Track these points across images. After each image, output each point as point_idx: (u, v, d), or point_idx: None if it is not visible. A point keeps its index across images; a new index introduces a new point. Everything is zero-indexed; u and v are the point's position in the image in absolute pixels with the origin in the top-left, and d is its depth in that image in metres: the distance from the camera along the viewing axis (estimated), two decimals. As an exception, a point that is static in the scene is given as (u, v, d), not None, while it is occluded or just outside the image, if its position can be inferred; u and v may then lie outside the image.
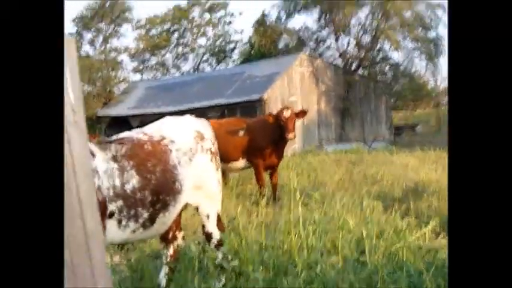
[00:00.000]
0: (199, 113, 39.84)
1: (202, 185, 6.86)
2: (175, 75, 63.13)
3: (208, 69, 63.63)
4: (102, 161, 5.80)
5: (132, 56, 64.37)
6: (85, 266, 1.76)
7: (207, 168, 6.93)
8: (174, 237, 7.26)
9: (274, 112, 15.07)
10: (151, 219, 6.17)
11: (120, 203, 5.85)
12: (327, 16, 47.43)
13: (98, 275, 1.81)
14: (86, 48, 61.51)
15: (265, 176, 14.97)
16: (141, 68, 65.41)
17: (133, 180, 5.96)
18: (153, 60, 65.87)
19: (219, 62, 65.86)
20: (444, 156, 22.31)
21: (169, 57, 66.37)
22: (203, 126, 7.12)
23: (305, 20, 55.79)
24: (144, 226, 6.12)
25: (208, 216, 7.03)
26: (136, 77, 63.95)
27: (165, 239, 7.16)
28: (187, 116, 7.32)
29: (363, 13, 46.52)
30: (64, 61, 1.95)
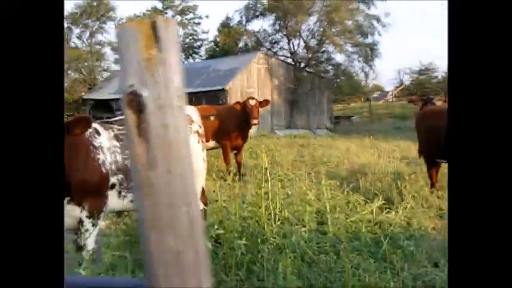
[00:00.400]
0: (171, 99, 40.67)
1: (190, 162, 6.62)
2: (150, 66, 62.07)
3: (178, 62, 62.71)
4: (106, 139, 5.79)
5: (114, 49, 63.82)
6: (189, 253, 1.56)
7: (195, 148, 6.82)
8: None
9: (241, 101, 15.05)
10: None
11: (120, 176, 5.85)
12: (281, 22, 47.89)
13: (200, 263, 1.61)
14: (75, 41, 62.44)
15: (231, 155, 14.95)
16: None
17: None
18: (132, 53, 64.55)
19: (187, 57, 66.15)
20: (379, 144, 22.47)
21: (145, 51, 65.30)
22: (192, 111, 7.01)
23: (262, 24, 56.19)
24: None
25: None
26: (117, 67, 62.19)
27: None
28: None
29: (312, 20, 46.93)
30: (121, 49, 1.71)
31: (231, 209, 7.52)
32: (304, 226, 6.87)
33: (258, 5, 48.74)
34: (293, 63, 46.67)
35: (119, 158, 5.84)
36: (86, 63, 60.60)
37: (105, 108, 46.20)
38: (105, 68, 63.81)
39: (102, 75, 61.06)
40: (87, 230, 5.64)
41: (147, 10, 64.99)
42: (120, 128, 6.02)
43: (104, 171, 5.71)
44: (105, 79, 57.81)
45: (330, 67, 48.89)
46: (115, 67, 62.16)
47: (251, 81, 41.91)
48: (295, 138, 30.04)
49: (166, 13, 65.09)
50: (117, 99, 46.36)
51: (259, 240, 6.38)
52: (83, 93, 55.22)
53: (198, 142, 6.82)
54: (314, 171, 14.14)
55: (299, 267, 5.73)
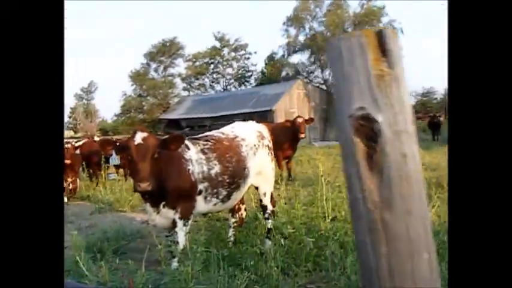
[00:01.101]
0: (229, 118, 40.82)
1: (262, 171, 6.46)
2: (212, 92, 64.18)
3: (233, 89, 63.92)
4: (194, 152, 5.59)
5: (183, 79, 65.95)
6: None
7: (266, 159, 6.53)
8: (239, 209, 6.83)
9: (290, 119, 14.60)
10: (228, 196, 5.89)
11: (206, 184, 5.60)
12: (316, 55, 48.53)
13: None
14: (153, 73, 63.91)
15: (283, 163, 14.51)
16: (188, 87, 66.75)
17: (216, 168, 5.69)
18: (197, 83, 67.10)
19: (240, 85, 66.47)
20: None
21: (207, 80, 67.65)
22: (262, 128, 6.70)
23: (300, 58, 56.99)
24: (223, 201, 5.86)
25: (265, 194, 6.58)
26: (185, 93, 64.86)
27: (232, 210, 6.76)
28: (251, 122, 6.93)
29: None
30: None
31: (295, 210, 7.19)
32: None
33: (297, 42, 49.02)
34: (325, 88, 46.91)
35: (204, 168, 5.59)
36: (161, 91, 61.67)
37: (176, 126, 46.73)
38: (176, 94, 64.54)
39: (173, 100, 61.62)
40: (179, 229, 5.41)
41: (208, 48, 65.20)
42: (205, 143, 5.83)
43: (193, 180, 5.47)
44: (176, 103, 58.62)
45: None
46: (183, 93, 63.94)
47: (293, 103, 42.71)
48: (329, 148, 29.60)
49: (223, 50, 65.66)
50: (185, 119, 48.29)
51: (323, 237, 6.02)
52: (159, 114, 56.23)
53: (268, 155, 6.52)
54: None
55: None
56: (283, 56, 52.06)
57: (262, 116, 37.53)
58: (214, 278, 4.20)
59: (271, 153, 6.63)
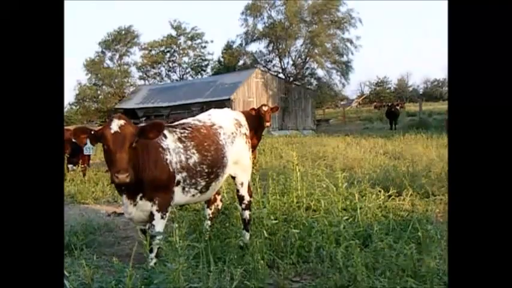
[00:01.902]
0: (186, 107, 40.63)
1: (239, 160, 6.18)
2: (168, 81, 63.51)
3: (190, 78, 63.31)
4: (172, 141, 5.28)
5: (139, 68, 65.21)
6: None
7: (243, 148, 6.26)
8: (215, 199, 6.55)
9: (255, 107, 14.31)
10: (207, 187, 5.60)
11: (184, 174, 5.32)
12: (274, 44, 48.07)
13: None
14: (108, 62, 62.81)
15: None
16: (144, 76, 66.11)
17: (194, 157, 5.41)
18: (153, 71, 66.48)
19: (197, 73, 66.13)
20: (359, 141, 21.87)
21: (163, 69, 67.19)
22: (239, 116, 6.42)
23: (258, 46, 57.43)
24: (201, 192, 5.57)
25: (242, 184, 6.29)
26: (141, 82, 64.23)
27: (208, 201, 6.46)
28: (227, 109, 6.67)
29: (298, 43, 47.47)
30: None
31: (271, 200, 6.98)
32: (332, 214, 6.17)
33: (255, 31, 48.73)
34: (284, 77, 46.90)
35: (182, 158, 5.31)
36: (116, 80, 60.44)
37: (132, 116, 45.94)
38: (132, 83, 63.43)
39: (129, 89, 60.61)
40: (157, 222, 5.11)
41: (164, 37, 64.55)
42: (182, 131, 5.54)
43: (171, 170, 5.18)
44: (131, 92, 57.86)
45: (313, 80, 49.32)
46: (139, 82, 63.38)
47: (251, 92, 42.54)
48: (288, 137, 29.56)
49: (179, 39, 65.08)
50: (142, 108, 47.95)
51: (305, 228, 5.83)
52: (114, 104, 55.24)
53: (246, 143, 6.25)
54: (316, 165, 13.67)
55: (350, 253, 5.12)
56: (240, 44, 51.81)
57: (220, 105, 36.99)
58: (204, 275, 3.93)
59: (249, 141, 6.37)
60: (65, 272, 3.75)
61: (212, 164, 5.54)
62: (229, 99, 40.09)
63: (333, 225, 5.55)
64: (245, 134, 6.28)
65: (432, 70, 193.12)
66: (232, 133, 6.02)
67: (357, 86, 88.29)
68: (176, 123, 5.87)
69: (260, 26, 48.38)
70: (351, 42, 47.04)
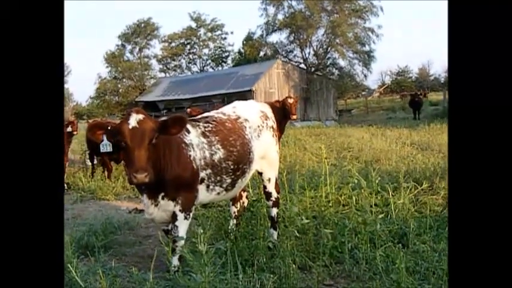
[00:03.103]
0: (207, 99, 40.47)
1: (266, 155, 5.79)
2: (188, 73, 63.22)
3: (210, 70, 63.08)
4: (195, 136, 4.90)
5: (159, 61, 65.15)
6: None
7: (270, 142, 5.88)
8: (240, 197, 6.18)
9: (279, 99, 13.88)
10: (233, 184, 5.23)
11: (208, 171, 4.95)
12: (295, 35, 47.39)
13: None
14: (128, 55, 63.04)
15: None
16: (164, 69, 65.96)
17: (219, 152, 5.03)
18: (173, 64, 66.30)
19: (217, 65, 65.66)
20: (384, 132, 21.36)
21: (183, 61, 66.89)
22: (265, 108, 6.05)
23: (279, 37, 57.18)
24: (227, 190, 5.21)
25: (269, 180, 5.92)
26: (161, 75, 64.07)
27: (233, 198, 6.08)
28: (252, 101, 6.31)
29: (320, 33, 46.65)
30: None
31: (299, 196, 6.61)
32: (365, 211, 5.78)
33: (276, 22, 48.03)
34: (305, 68, 46.39)
35: (207, 153, 4.95)
36: (136, 73, 60.83)
37: (153, 108, 45.86)
38: (152, 76, 63.73)
39: (149, 82, 60.67)
40: (180, 223, 4.78)
41: (184, 29, 64.22)
42: (206, 125, 5.18)
43: (195, 167, 4.83)
44: (152, 85, 57.64)
45: (335, 70, 48.61)
46: (160, 75, 63.35)
47: (272, 83, 42.15)
48: (311, 128, 29.13)
49: (199, 31, 64.76)
50: (163, 101, 47.87)
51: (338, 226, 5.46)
52: (135, 97, 55.20)
53: (273, 136, 5.88)
54: (342, 157, 13.30)
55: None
56: (261, 35, 51.05)
57: (242, 97, 36.74)
58: (233, 284, 3.57)
59: (276, 134, 6.00)
60: (79, 281, 3.41)
61: (238, 159, 5.19)
62: (250, 90, 39.76)
63: (367, 223, 5.15)
64: (272, 126, 5.92)
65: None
66: (259, 126, 5.66)
67: (378, 75, 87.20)
68: (199, 116, 5.54)
69: (280, 16, 47.79)
70: (373, 31, 46.16)
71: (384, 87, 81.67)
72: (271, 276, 3.95)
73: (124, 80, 60.25)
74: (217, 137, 5.07)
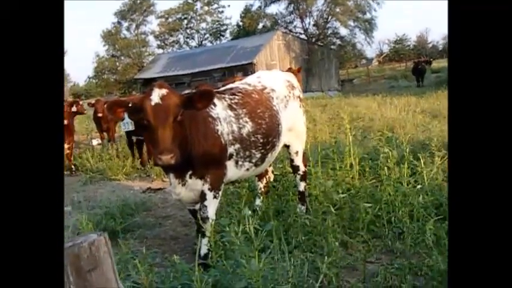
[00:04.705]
0: (208, 74, 40.07)
1: (293, 127, 5.46)
2: (186, 49, 62.70)
3: (209, 44, 62.65)
4: (221, 109, 4.55)
5: (156, 37, 64.96)
6: None
7: (298, 112, 5.56)
8: (266, 172, 5.86)
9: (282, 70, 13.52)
10: (262, 159, 4.91)
11: (237, 146, 4.63)
12: (294, 5, 47.18)
13: None
14: (125, 32, 62.81)
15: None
16: (162, 45, 65.72)
17: (247, 126, 4.69)
18: (171, 39, 65.99)
19: (215, 39, 65.47)
20: (391, 100, 20.93)
21: (181, 37, 66.68)
22: (291, 77, 5.70)
23: (278, 8, 57.41)
24: (256, 165, 4.89)
25: (297, 153, 5.62)
26: (160, 51, 63.78)
27: (259, 173, 5.69)
28: (276, 70, 5.96)
29: (320, 2, 46.46)
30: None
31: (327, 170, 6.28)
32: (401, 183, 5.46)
33: (274, -8, 47.56)
34: (306, 38, 45.98)
35: (234, 127, 4.61)
36: (134, 50, 60.64)
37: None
38: (150, 52, 63.52)
39: (148, 59, 60.03)
40: (209, 202, 4.48)
41: (180, 4, 63.75)
42: (232, 97, 4.83)
43: (223, 142, 4.49)
44: (151, 61, 56.81)
45: (336, 40, 48.56)
46: (158, 51, 62.98)
47: (273, 55, 41.72)
48: (316, 99, 28.75)
49: (196, 5, 64.35)
50: (162, 77, 46.29)
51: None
52: (134, 74, 54.53)
53: (300, 107, 5.55)
54: (354, 127, 12.93)
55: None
56: (260, 7, 50.86)
57: (243, 70, 36.65)
58: (283, 269, 3.26)
59: (303, 105, 5.66)
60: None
61: (267, 133, 4.86)
62: (251, 63, 39.28)
63: (407, 195, 4.85)
64: (299, 96, 5.58)
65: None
66: (285, 96, 5.31)
67: (376, 44, 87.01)
68: (223, 88, 5.19)
69: (279, -13, 47.41)
70: (374, -1, 45.84)
71: (383, 56, 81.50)
72: (325, 256, 3.61)
73: (122, 57, 60.08)
74: (244, 110, 4.74)
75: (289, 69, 12.88)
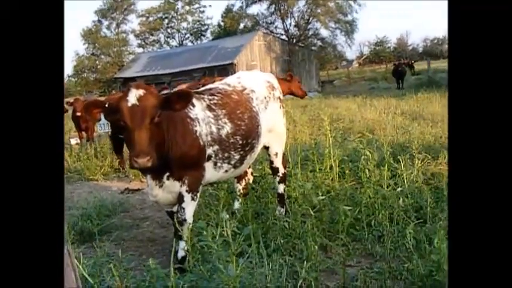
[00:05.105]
0: (188, 74, 39.90)
1: (273, 128, 5.39)
2: (167, 48, 62.68)
3: (190, 44, 62.62)
4: (200, 110, 4.47)
5: (137, 36, 64.93)
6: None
7: (277, 113, 5.49)
8: (245, 173, 5.79)
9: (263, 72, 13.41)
10: (241, 160, 4.84)
11: (216, 147, 4.53)
12: (275, 5, 47.30)
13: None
14: (105, 31, 62.61)
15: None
16: (143, 44, 65.76)
17: (226, 127, 4.60)
18: (151, 39, 66.13)
19: (196, 39, 65.62)
20: (371, 102, 20.97)
21: (162, 36, 66.82)
22: (271, 78, 5.64)
23: (259, 8, 57.98)
24: (235, 166, 4.81)
25: (276, 154, 5.56)
26: (140, 50, 63.80)
27: (238, 176, 5.65)
28: (256, 71, 5.90)
29: (301, 3, 46.69)
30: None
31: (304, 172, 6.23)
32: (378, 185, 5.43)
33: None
34: (287, 39, 46.13)
35: (213, 128, 4.52)
36: (114, 49, 60.31)
37: (132, 84, 45.20)
38: (130, 51, 63.32)
39: (128, 58, 59.79)
40: (187, 204, 4.39)
41: (161, 3, 63.74)
42: (211, 98, 4.74)
43: (202, 143, 4.41)
44: (131, 60, 56.60)
45: (317, 41, 48.82)
46: (138, 50, 62.90)
47: (254, 56, 41.72)
48: (296, 100, 28.59)
49: (177, 4, 64.42)
50: (142, 77, 46.28)
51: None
52: (114, 73, 54.33)
53: (280, 108, 5.49)
54: (334, 128, 12.89)
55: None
56: (241, 7, 50.93)
57: (223, 70, 36.59)
58: (261, 274, 3.19)
59: (283, 106, 5.60)
60: (90, 279, 3.00)
61: (247, 134, 4.78)
62: (232, 63, 39.26)
63: (387, 198, 4.83)
64: (279, 97, 5.50)
65: (432, 28, 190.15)
66: (266, 97, 5.24)
67: (356, 46, 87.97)
68: (202, 88, 5.11)
69: (261, -13, 47.51)
70: (355, 0, 46.11)
71: (363, 57, 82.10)
72: (305, 260, 3.56)
73: (102, 56, 59.66)
74: (223, 110, 4.65)
75: (290, 75, 12.69)
